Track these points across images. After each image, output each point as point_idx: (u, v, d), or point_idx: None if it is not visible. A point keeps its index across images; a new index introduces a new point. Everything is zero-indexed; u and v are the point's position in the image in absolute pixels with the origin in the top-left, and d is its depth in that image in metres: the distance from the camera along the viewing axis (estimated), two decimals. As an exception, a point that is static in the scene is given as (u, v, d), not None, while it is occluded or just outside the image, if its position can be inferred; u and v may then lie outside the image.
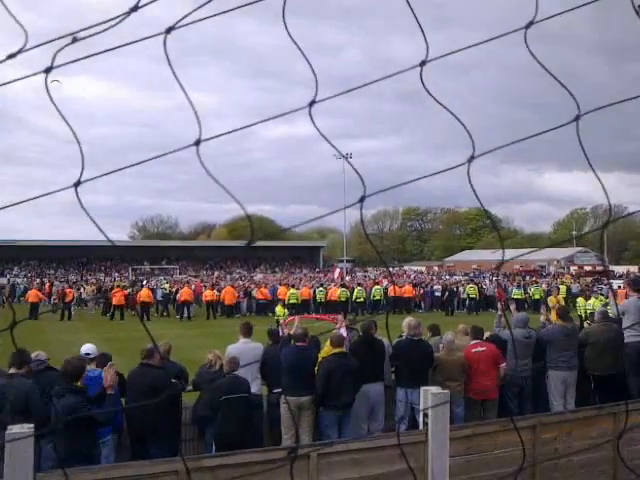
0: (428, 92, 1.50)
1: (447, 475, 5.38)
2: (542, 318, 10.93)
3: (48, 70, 1.28)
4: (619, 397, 7.77)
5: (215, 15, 1.36)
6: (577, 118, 1.52)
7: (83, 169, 1.35)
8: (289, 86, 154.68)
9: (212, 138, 1.38)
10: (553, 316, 11.21)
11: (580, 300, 25.68)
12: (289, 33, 1.33)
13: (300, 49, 1.40)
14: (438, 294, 35.95)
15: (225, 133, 1.46)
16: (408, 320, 9.03)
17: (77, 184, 1.33)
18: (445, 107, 1.55)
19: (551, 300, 25.23)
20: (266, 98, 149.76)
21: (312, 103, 1.41)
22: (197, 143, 1.33)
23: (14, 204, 1.45)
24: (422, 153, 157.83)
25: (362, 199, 1.52)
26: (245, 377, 8.21)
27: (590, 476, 6.63)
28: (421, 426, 5.82)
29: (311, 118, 1.43)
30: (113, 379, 6.46)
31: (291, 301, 31.07)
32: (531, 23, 1.40)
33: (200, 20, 1.32)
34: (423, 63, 1.43)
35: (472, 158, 1.48)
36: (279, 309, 24.50)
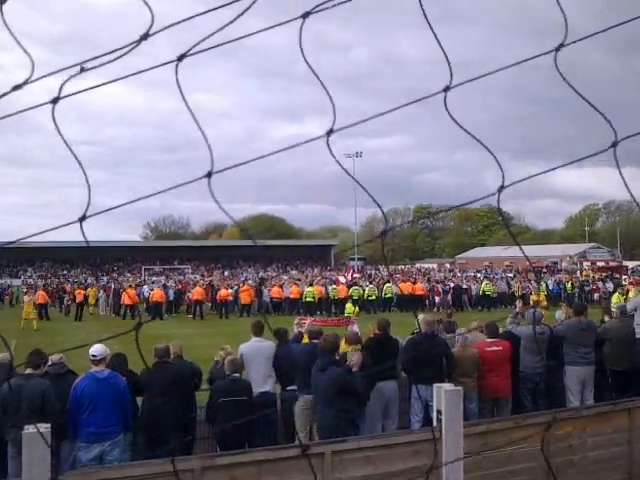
0: (452, 117, 1.48)
1: (461, 472, 5.38)
2: (557, 314, 10.87)
3: (55, 101, 1.26)
4: (638, 393, 7.74)
5: (231, 41, 1.35)
6: (614, 145, 1.48)
7: (89, 204, 1.30)
8: (296, 85, 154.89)
9: (224, 170, 1.36)
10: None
11: (616, 297, 25.08)
12: (307, 62, 1.34)
13: (317, 75, 1.41)
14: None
15: (236, 165, 1.45)
16: (424, 316, 9.05)
17: (82, 219, 1.29)
18: (470, 133, 1.53)
19: (532, 298, 25.13)
20: (274, 98, 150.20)
21: (330, 132, 1.39)
22: (209, 175, 1.31)
23: (39, 233, 1.44)
24: (433, 151, 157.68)
25: (384, 233, 1.52)
26: (257, 376, 8.26)
27: (605, 472, 6.61)
28: (435, 423, 5.82)
29: (329, 148, 1.42)
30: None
31: (307, 299, 31.15)
32: (561, 45, 1.36)
33: (211, 48, 1.31)
34: (447, 89, 1.41)
35: (502, 188, 1.45)
36: (349, 306, 24.03)
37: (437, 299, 34.35)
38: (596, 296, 34.62)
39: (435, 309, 32.49)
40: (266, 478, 5.31)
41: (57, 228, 1.39)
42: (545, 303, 22.06)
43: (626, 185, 1.60)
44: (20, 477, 4.54)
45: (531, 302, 23.92)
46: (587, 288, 36.76)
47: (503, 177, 1.45)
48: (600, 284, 37.07)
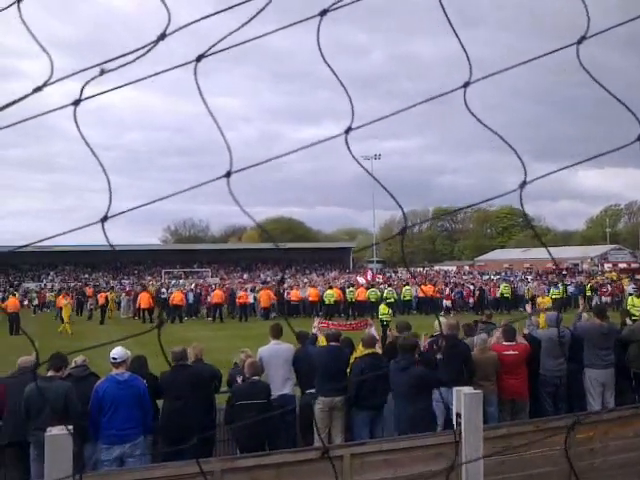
0: (472, 113, 1.48)
1: (481, 475, 5.35)
2: (579, 311, 10.76)
3: (77, 103, 1.27)
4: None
5: (248, 41, 1.36)
6: None
7: (110, 203, 1.32)
8: (312, 89, 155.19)
9: (242, 170, 1.38)
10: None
11: (630, 299, 24.57)
12: (330, 68, 1.35)
13: (334, 71, 1.42)
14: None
15: (254, 165, 1.46)
16: (447, 319, 9.04)
17: (104, 219, 1.31)
18: (497, 133, 1.53)
19: (538, 301, 24.74)
20: (290, 101, 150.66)
21: (348, 130, 1.40)
22: (228, 175, 1.32)
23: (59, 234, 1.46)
24: (447, 153, 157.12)
25: (403, 230, 1.53)
26: (276, 379, 8.27)
27: (627, 477, 6.53)
28: (455, 426, 5.79)
29: (347, 147, 1.43)
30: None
31: (330, 301, 31.32)
32: (583, 38, 1.35)
33: (230, 48, 1.32)
34: (467, 84, 1.41)
35: (524, 184, 1.45)
36: (383, 308, 24.03)
37: (446, 303, 33.97)
38: (607, 299, 33.77)
39: (448, 312, 32.08)
40: (286, 481, 5.33)
41: (81, 228, 1.41)
42: (550, 305, 21.66)
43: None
44: (42, 479, 4.59)
45: (536, 305, 23.69)
46: (604, 289, 36.03)
47: (525, 173, 1.45)
48: (609, 287, 36.28)
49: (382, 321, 21.28)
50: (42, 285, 55.43)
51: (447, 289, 35.78)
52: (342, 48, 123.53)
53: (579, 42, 1.39)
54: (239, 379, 8.18)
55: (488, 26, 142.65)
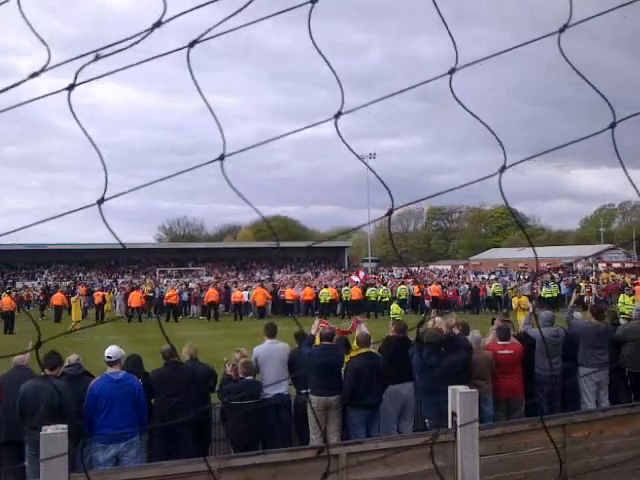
0: (459, 102, 1.48)
1: (477, 474, 5.36)
2: (571, 304, 10.83)
3: (71, 87, 1.27)
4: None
5: (240, 27, 1.35)
6: (613, 125, 1.47)
7: (106, 187, 1.32)
8: (311, 87, 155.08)
9: (235, 153, 1.37)
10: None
11: (621, 297, 24.54)
12: (327, 62, 1.35)
13: (333, 70, 1.41)
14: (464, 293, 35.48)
15: (248, 148, 1.46)
16: (444, 318, 9.07)
17: (100, 201, 1.31)
18: (477, 117, 1.53)
19: (514, 301, 24.76)
20: (288, 100, 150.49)
21: (338, 115, 1.40)
22: (221, 158, 1.32)
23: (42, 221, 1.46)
24: (444, 152, 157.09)
25: (390, 212, 1.53)
26: (272, 378, 8.28)
27: (622, 475, 6.54)
28: (450, 425, 5.79)
29: (337, 130, 1.43)
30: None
31: (326, 300, 31.44)
32: (565, 26, 1.36)
33: (224, 33, 1.31)
34: (452, 71, 1.40)
35: (504, 168, 1.46)
36: (395, 307, 23.88)
37: (426, 302, 33.35)
38: (587, 299, 33.36)
39: (428, 312, 31.68)
40: (282, 480, 5.32)
41: (78, 210, 1.41)
42: (527, 305, 21.47)
43: (622, 164, 1.59)
44: (38, 478, 4.58)
45: (513, 305, 23.73)
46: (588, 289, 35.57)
47: (505, 157, 1.46)
48: (593, 287, 36.01)
49: (394, 320, 21.15)
50: (27, 284, 54.92)
51: (427, 289, 35.05)
52: (339, 47, 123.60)
53: (561, 30, 1.39)
54: (228, 367, 8.19)
55: (486, 24, 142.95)
